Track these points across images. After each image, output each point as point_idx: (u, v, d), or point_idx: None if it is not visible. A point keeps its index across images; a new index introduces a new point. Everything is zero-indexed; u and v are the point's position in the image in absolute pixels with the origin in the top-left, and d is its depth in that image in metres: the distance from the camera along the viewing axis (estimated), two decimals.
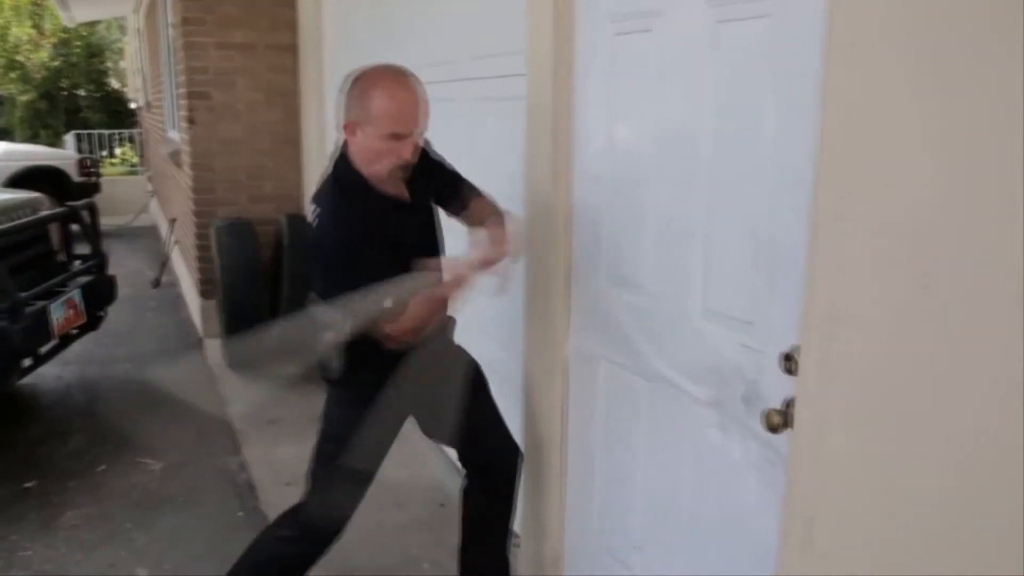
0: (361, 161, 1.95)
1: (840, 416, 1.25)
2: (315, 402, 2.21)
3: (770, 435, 1.53)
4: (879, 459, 1.19)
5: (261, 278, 4.55)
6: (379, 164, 1.92)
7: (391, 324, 1.88)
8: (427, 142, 2.05)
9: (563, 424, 2.26)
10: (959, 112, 1.04)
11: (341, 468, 2.05)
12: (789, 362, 1.43)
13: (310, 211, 1.99)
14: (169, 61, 6.70)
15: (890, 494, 1.17)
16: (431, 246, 2.14)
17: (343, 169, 1.98)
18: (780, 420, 1.44)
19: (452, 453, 2.97)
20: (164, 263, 7.07)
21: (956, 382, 1.07)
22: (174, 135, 6.58)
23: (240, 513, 3.03)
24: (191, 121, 4.82)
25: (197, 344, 5.13)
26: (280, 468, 3.27)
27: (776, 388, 1.51)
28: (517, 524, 2.59)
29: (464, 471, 2.31)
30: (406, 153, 1.90)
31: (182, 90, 5.03)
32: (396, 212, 2.01)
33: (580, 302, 2.13)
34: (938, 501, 1.11)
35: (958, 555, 1.09)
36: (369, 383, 2.00)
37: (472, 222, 2.13)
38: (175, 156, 5.83)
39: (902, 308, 1.13)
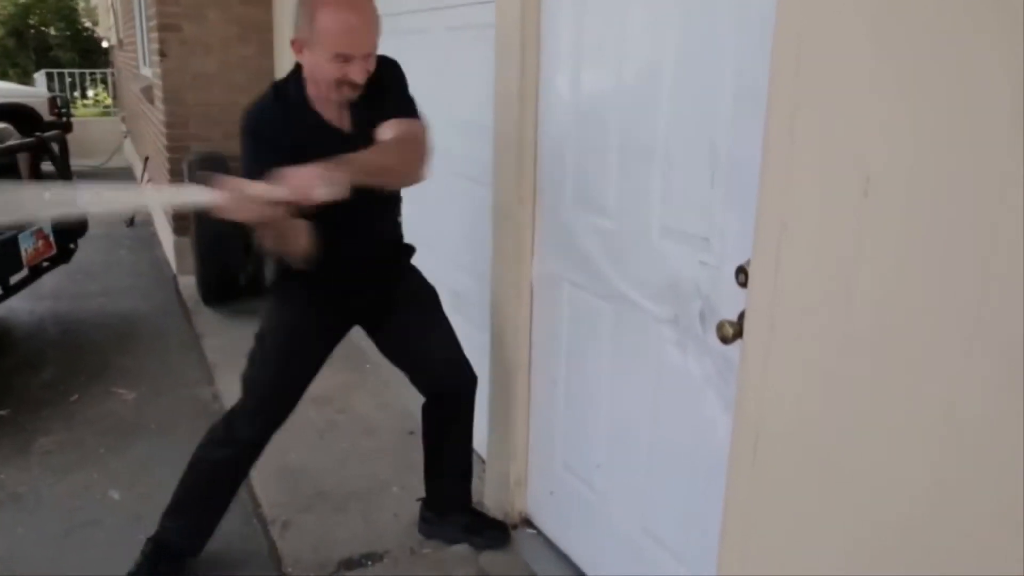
0: (310, 80, 1.90)
1: (789, 324, 1.29)
2: None
3: (724, 349, 1.58)
4: (825, 365, 1.23)
5: None
6: (325, 85, 1.86)
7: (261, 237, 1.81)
8: (392, 65, 2.00)
9: (529, 347, 2.30)
10: (905, 28, 1.07)
11: (263, 374, 2.13)
12: (742, 275, 1.47)
13: None
14: None
15: (836, 401, 1.22)
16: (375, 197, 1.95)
17: (290, 78, 1.94)
18: (733, 331, 1.48)
19: None
20: None
21: (898, 285, 1.11)
22: (146, 71, 6.47)
23: None
24: (162, 54, 4.74)
25: (171, 281, 5.12)
26: None
27: (731, 302, 1.56)
28: (482, 447, 2.65)
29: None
30: (354, 75, 1.83)
31: (152, 23, 4.94)
32: (327, 137, 1.91)
33: (545, 225, 2.16)
34: (883, 404, 1.15)
35: (903, 463, 1.14)
36: (299, 291, 2.07)
37: None
38: (147, 92, 5.73)
39: (845, 215, 1.17)
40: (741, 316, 1.51)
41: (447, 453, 2.38)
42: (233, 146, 5.12)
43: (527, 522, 2.44)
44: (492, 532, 2.39)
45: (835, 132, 1.18)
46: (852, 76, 1.14)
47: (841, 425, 1.22)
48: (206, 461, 2.21)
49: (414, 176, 1.93)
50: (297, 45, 1.86)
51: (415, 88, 2.05)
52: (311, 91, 1.91)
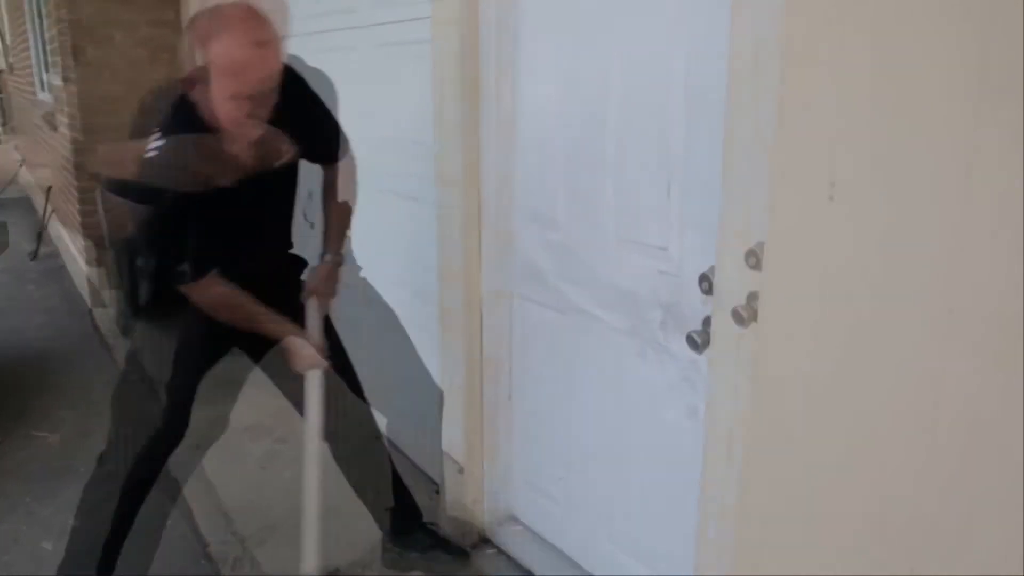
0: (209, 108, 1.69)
1: (762, 329, 1.31)
2: (224, 365, 2.17)
3: (692, 356, 1.60)
4: (805, 369, 1.25)
5: None
6: (224, 122, 1.69)
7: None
8: (300, 83, 1.85)
9: (481, 367, 2.27)
10: (866, 25, 1.10)
11: (132, 390, 2.10)
12: (705, 283, 1.49)
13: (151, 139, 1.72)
14: (34, 15, 6.28)
15: (826, 408, 1.24)
16: (275, 212, 1.96)
17: (183, 102, 1.73)
18: (701, 340, 1.50)
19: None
20: (40, 233, 6.68)
21: (868, 283, 1.14)
22: (45, 96, 6.19)
23: None
24: (66, 79, 4.54)
25: (87, 315, 4.89)
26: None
27: (695, 309, 1.57)
28: (436, 470, 2.61)
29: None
30: (245, 113, 1.65)
31: (54, 45, 4.73)
32: (228, 170, 1.75)
33: (491, 241, 2.14)
34: (877, 397, 1.18)
35: (917, 434, 1.15)
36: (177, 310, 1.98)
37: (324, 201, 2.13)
38: (49, 118, 5.48)
39: (811, 220, 1.19)
40: (706, 323, 1.53)
41: (374, 476, 2.32)
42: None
43: (486, 541, 2.41)
44: (447, 557, 2.33)
45: (797, 137, 1.20)
46: (812, 80, 1.17)
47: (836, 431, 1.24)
48: (100, 501, 2.09)
49: None
50: (188, 83, 1.71)
51: (344, 107, 2.03)
52: (208, 115, 1.72)
